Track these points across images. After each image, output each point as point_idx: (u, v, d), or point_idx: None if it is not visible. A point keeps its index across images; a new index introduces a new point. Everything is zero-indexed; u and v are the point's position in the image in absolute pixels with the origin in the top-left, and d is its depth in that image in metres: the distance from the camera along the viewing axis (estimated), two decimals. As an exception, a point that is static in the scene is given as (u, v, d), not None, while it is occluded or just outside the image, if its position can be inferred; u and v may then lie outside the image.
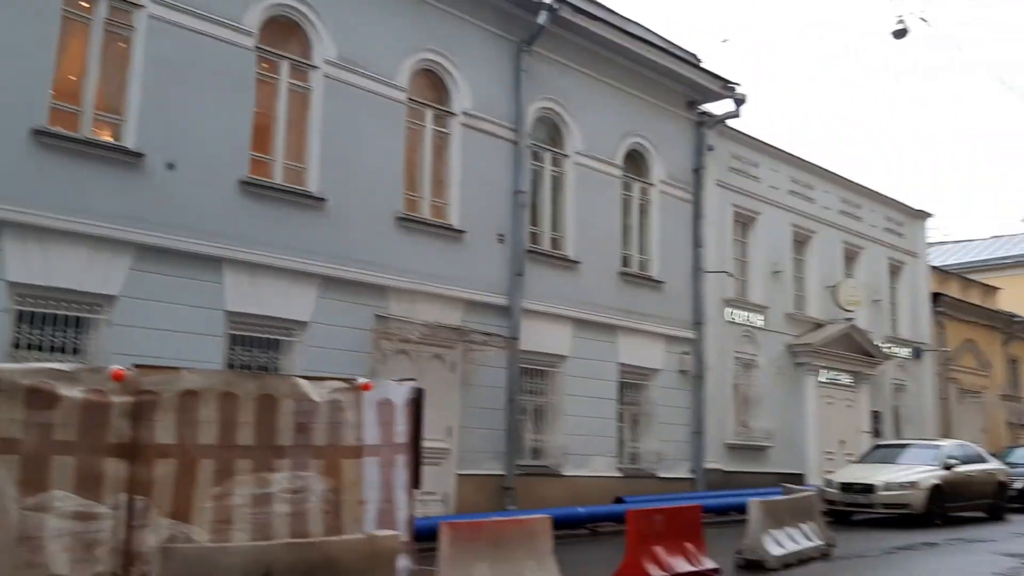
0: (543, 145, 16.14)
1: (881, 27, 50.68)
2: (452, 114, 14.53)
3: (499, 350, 14.10)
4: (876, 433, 23.49)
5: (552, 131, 16.41)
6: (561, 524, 13.38)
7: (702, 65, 19.02)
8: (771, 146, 21.72)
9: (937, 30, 62.30)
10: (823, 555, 11.59)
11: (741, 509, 11.82)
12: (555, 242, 16.13)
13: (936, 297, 26.85)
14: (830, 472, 18.79)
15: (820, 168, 23.23)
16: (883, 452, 18.46)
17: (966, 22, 72.59)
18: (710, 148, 19.39)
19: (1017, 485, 20.16)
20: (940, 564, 11.34)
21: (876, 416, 24.04)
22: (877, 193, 25.36)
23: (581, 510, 13.83)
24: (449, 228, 14.20)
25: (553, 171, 16.25)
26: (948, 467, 16.97)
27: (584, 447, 15.64)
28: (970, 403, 28.14)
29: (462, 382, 13.92)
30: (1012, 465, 21.31)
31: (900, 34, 15.36)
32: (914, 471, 16.58)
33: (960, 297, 28.63)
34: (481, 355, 13.92)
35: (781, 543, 11.09)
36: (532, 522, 8.01)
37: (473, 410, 13.96)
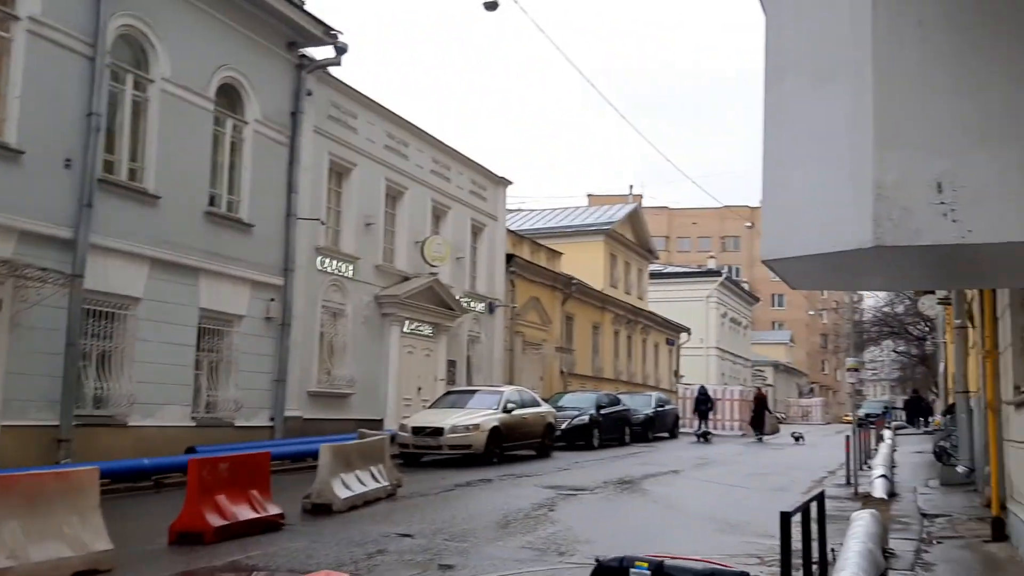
0: (125, 66, 14.69)
1: None
2: (16, 18, 12.60)
3: (58, 288, 12.65)
4: (451, 381, 25.25)
5: (137, 52, 14.99)
6: (124, 477, 12.57)
7: (305, 7, 18.61)
8: (370, 99, 22.01)
9: (532, 7, 67.56)
10: (389, 495, 12.18)
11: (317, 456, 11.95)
12: (133, 173, 14.84)
13: (510, 258, 29.40)
14: (406, 417, 19.81)
15: (415, 127, 24.09)
16: (453, 398, 19.88)
17: (561, 6, 79.82)
18: (309, 93, 19.13)
19: (564, 426, 22.99)
20: (491, 497, 12.50)
21: (452, 365, 25.82)
22: (466, 157, 26.98)
23: (146, 462, 13.02)
24: (4, 146, 12.36)
25: (135, 96, 14.89)
26: (507, 410, 18.77)
27: (155, 396, 14.72)
28: (532, 354, 31.37)
29: (11, 323, 12.29)
30: (561, 409, 24.25)
31: (491, 6, 16.27)
32: (477, 415, 18.09)
33: (530, 259, 31.65)
34: (36, 293, 12.39)
35: (349, 486, 11.45)
36: (77, 475, 7.32)
37: (22, 355, 12.41)
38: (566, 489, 13.57)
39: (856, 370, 14.72)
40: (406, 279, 23.29)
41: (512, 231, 32.14)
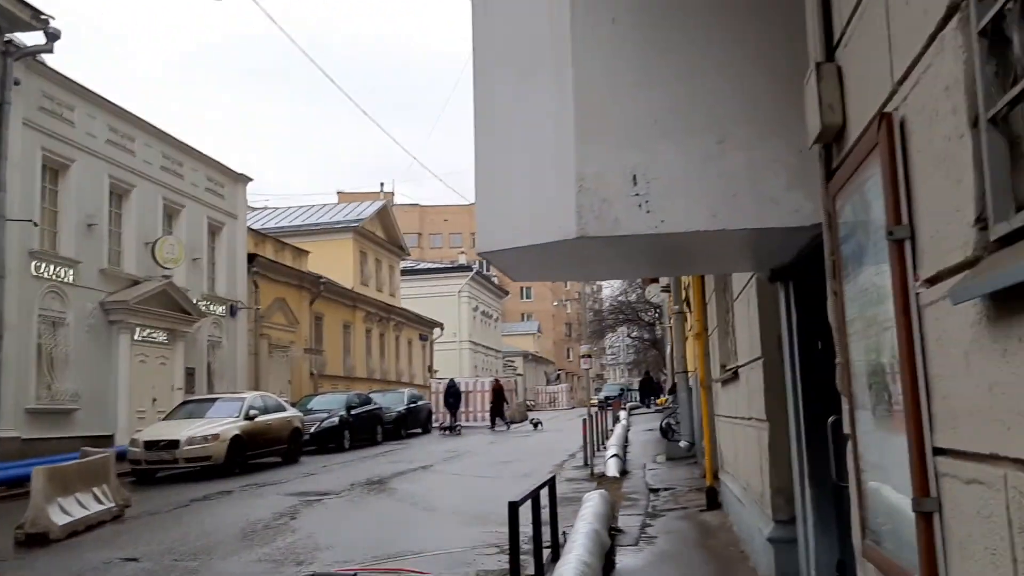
0: None
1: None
2: None
3: None
4: (190, 390, 23.80)
5: None
6: None
7: (5, -16, 16.71)
8: (89, 90, 20.20)
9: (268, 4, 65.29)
10: (115, 517, 11.21)
11: (27, 480, 10.76)
12: None
13: (252, 258, 28.21)
14: (139, 431, 18.39)
15: (142, 120, 22.44)
16: (191, 407, 18.72)
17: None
18: (17, 83, 17.24)
19: (312, 430, 22.39)
20: (229, 510, 11.86)
21: (191, 373, 24.35)
22: (200, 153, 25.53)
23: None
24: None
25: None
26: (250, 417, 17.96)
27: None
28: (279, 357, 30.33)
29: None
30: (310, 412, 23.61)
31: (218, -5, 15.41)
32: (217, 424, 17.16)
33: (274, 259, 30.55)
34: None
35: (68, 511, 10.43)
36: None
37: None
38: (311, 495, 13.18)
39: (589, 356, 15.50)
40: (136, 283, 21.66)
41: (254, 230, 30.90)
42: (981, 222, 1.99)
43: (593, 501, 8.09)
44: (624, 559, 7.37)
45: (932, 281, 2.29)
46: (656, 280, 23.90)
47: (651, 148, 3.76)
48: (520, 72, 4.02)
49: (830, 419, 4.41)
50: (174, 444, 16.38)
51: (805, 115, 3.24)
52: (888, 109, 2.49)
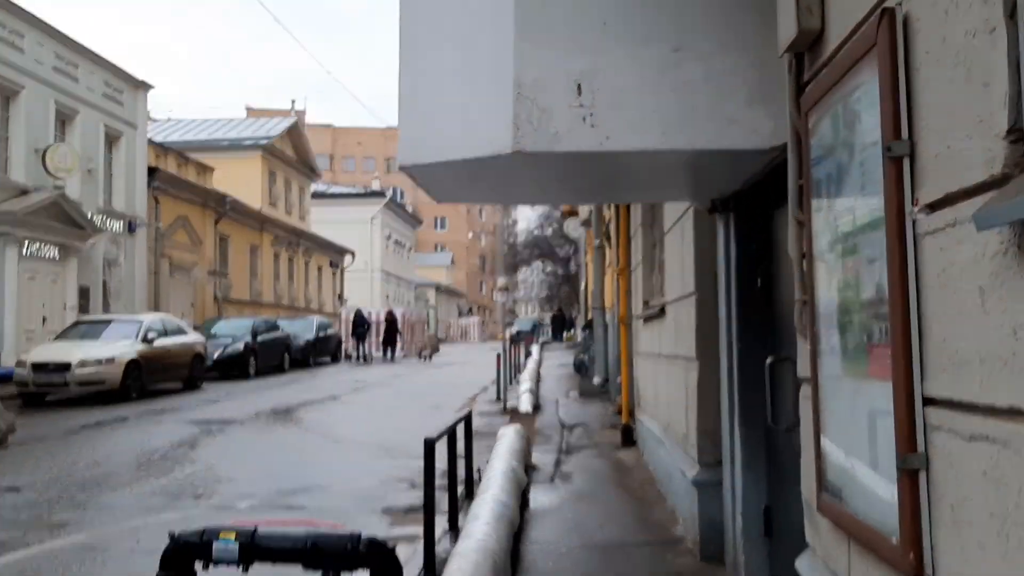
0: None
1: None
2: None
3: None
4: (84, 310, 22.63)
5: None
6: None
7: None
8: (-30, -22, 18.49)
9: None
10: (-3, 443, 10.46)
11: None
12: None
13: (153, 172, 26.77)
14: (28, 352, 17.36)
15: (31, 15, 20.72)
16: (84, 328, 17.75)
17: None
18: None
19: (216, 355, 21.61)
20: (124, 438, 11.25)
21: (85, 292, 23.14)
22: (96, 55, 23.86)
23: None
24: None
25: None
26: (148, 341, 17.13)
27: None
28: (181, 278, 29.13)
29: None
30: (214, 336, 22.77)
31: None
32: (112, 346, 16.30)
33: (177, 174, 29.09)
34: None
35: (-59, 436, 9.66)
36: None
37: None
38: (214, 423, 12.63)
39: (506, 289, 15.25)
40: (24, 193, 20.26)
41: (156, 142, 29.24)
42: (1015, 133, 1.66)
43: (508, 437, 7.84)
44: (540, 497, 7.16)
45: (934, 207, 1.97)
46: (575, 213, 23.66)
47: (599, 54, 3.35)
48: (454, -40, 3.54)
49: (768, 360, 4.17)
50: (65, 367, 15.49)
51: (777, 19, 2.88)
52: (889, 4, 2.13)
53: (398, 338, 34.25)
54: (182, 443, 10.71)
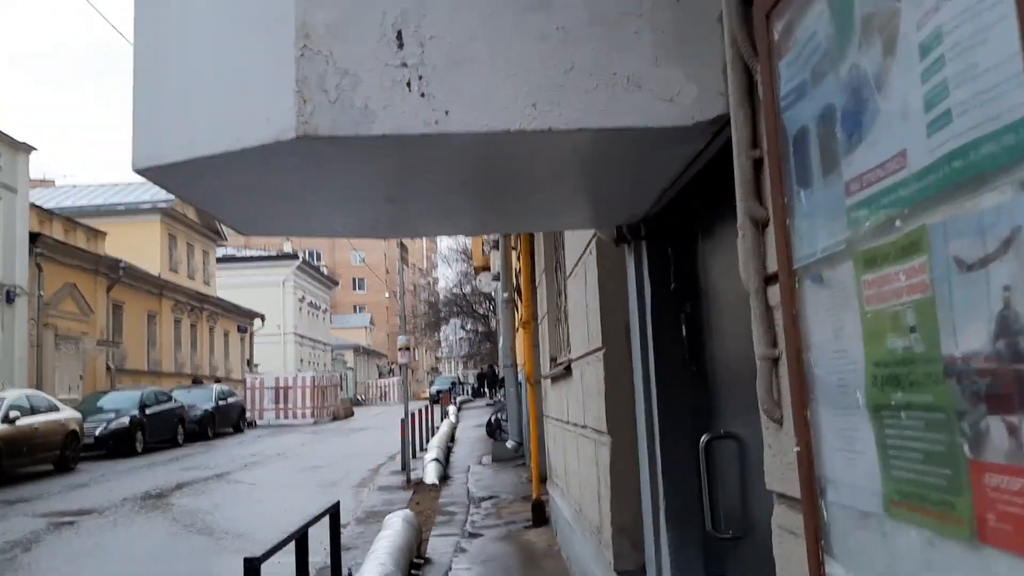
0: None
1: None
2: None
3: None
4: (-50, 387, 20.40)
5: None
6: None
7: None
8: None
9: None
10: None
11: None
12: None
13: (35, 238, 24.74)
14: None
15: None
16: (-64, 409, 15.65)
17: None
18: None
19: (97, 432, 19.62)
20: (-52, 542, 9.44)
21: (-50, 368, 20.91)
22: (-35, 111, 21.96)
23: None
24: None
25: None
26: (10, 420, 15.20)
27: None
28: (68, 350, 26.92)
29: None
30: (99, 411, 20.76)
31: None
32: (-37, 429, 14.33)
33: (64, 240, 27.05)
34: None
35: None
36: None
37: None
38: (67, 515, 10.88)
39: (407, 348, 13.88)
40: None
41: (41, 207, 27.17)
42: None
43: (392, 529, 6.50)
44: (428, 603, 5.82)
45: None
46: (487, 268, 22.55)
47: (431, -12, 2.19)
48: None
49: (703, 438, 3.01)
50: (-97, 456, 13.48)
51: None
52: None
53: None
54: (17, 543, 8.99)
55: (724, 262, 2.96)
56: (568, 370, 5.57)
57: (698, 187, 2.95)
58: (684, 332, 3.41)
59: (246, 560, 3.81)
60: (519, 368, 13.37)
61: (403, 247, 16.61)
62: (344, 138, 2.16)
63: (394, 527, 6.53)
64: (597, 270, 4.13)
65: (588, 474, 4.90)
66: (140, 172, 2.37)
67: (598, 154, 2.46)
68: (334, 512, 5.67)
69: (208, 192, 2.61)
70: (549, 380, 7.43)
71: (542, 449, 8.70)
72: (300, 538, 4.80)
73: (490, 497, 10.54)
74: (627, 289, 3.87)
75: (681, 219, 3.32)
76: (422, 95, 2.16)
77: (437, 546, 7.67)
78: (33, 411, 16.28)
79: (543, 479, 8.60)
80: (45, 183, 43.65)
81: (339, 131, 2.14)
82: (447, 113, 2.17)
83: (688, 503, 3.43)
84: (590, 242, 4.27)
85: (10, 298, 23.59)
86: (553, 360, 7.30)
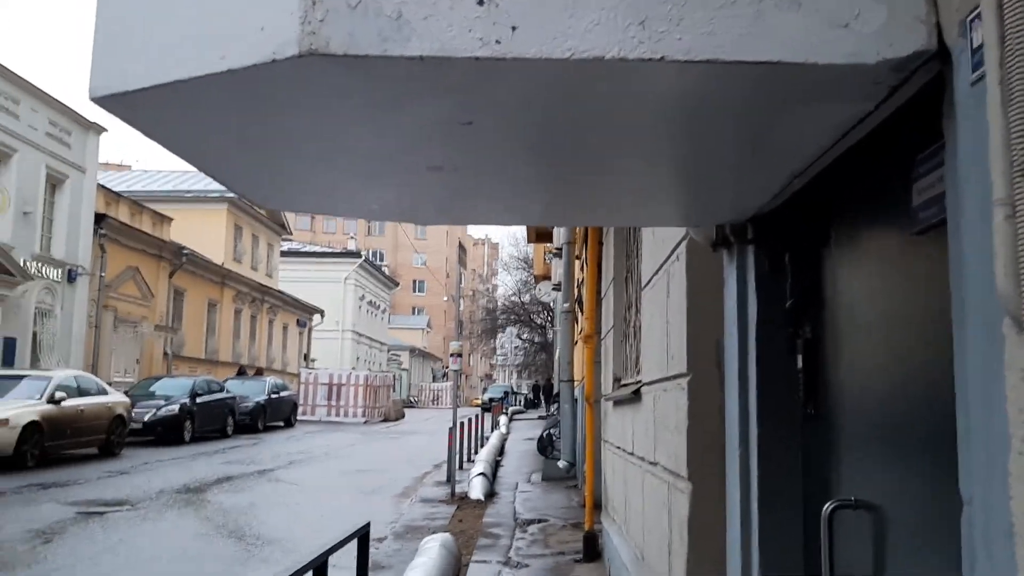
0: None
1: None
2: None
3: None
4: (9, 362, 20.47)
5: None
6: None
7: None
8: None
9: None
10: None
11: None
12: None
13: (101, 219, 24.85)
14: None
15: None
16: (-13, 385, 15.55)
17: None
18: None
19: (146, 418, 19.46)
20: (-26, 524, 9.10)
21: (10, 343, 20.99)
22: (41, 91, 22.12)
23: None
24: None
25: None
26: (55, 401, 14.99)
27: None
28: (127, 332, 27.02)
29: None
30: (151, 396, 20.65)
31: None
32: (8, 407, 14.13)
33: (129, 223, 27.18)
34: None
35: None
36: None
37: None
38: (99, 505, 10.51)
39: (459, 355, 13.25)
40: (-59, 234, 18.30)
41: (109, 189, 27.33)
42: None
43: (428, 556, 5.85)
44: (461, 645, 5.14)
45: None
46: (548, 278, 21.87)
47: None
48: None
49: (828, 506, 2.28)
50: (-62, 430, 13.32)
51: None
52: None
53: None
54: (39, 533, 8.58)
55: (873, 275, 2.23)
56: (637, 395, 4.85)
57: (842, 172, 2.24)
58: (800, 363, 2.68)
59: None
60: (576, 384, 12.66)
61: (462, 249, 16.05)
62: (366, 59, 1.50)
63: (430, 554, 5.87)
64: (686, 280, 3.42)
65: (656, 520, 4.18)
66: (98, 102, 1.75)
67: (718, 107, 1.77)
68: (363, 535, 5.04)
69: (186, 135, 1.97)
70: (611, 402, 6.71)
71: (598, 473, 7.97)
72: (318, 568, 4.18)
73: (538, 520, 9.83)
74: (723, 305, 3.16)
75: (808, 217, 2.60)
76: (480, 2, 1.50)
77: (477, 575, 6.99)
78: (81, 393, 16.09)
79: (597, 506, 7.87)
80: (121, 168, 44.47)
81: (359, 48, 1.49)
82: (514, 30, 1.50)
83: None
84: (678, 245, 3.55)
85: (72, 277, 23.70)
86: (617, 380, 6.58)
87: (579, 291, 12.35)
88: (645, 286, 4.66)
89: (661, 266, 4.02)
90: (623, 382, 6.26)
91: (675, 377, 3.64)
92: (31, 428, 14.11)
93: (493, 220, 2.94)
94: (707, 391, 3.30)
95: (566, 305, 12.67)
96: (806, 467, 2.75)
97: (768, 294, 2.83)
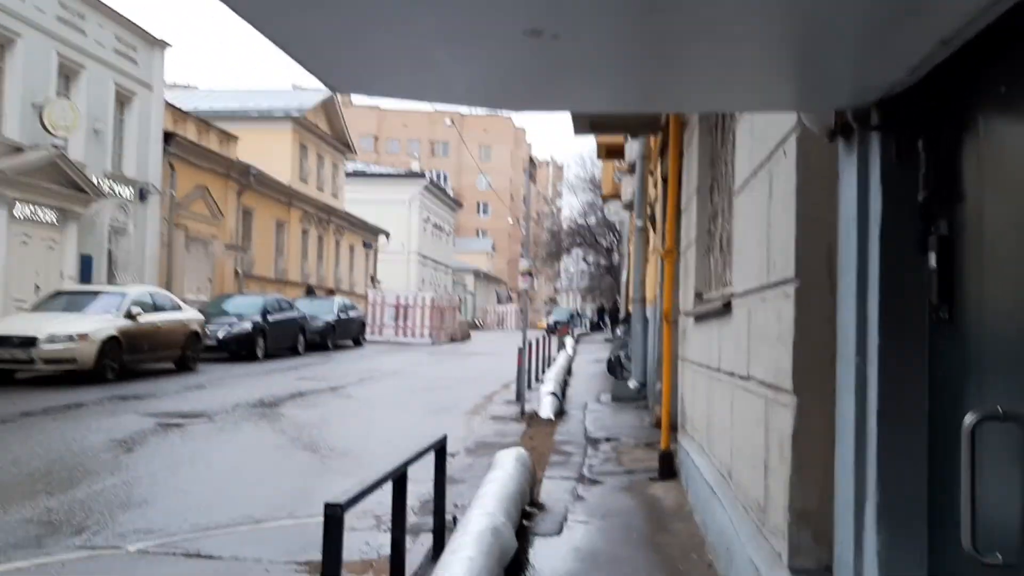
0: None
1: None
2: None
3: None
4: (86, 279, 21.03)
5: None
6: None
7: None
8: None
9: None
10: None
11: None
12: None
13: (169, 137, 25.06)
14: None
15: (31, -43, 19.04)
16: (65, 300, 16.01)
17: None
18: None
19: (220, 335, 19.87)
20: (57, 431, 9.37)
21: (87, 261, 21.52)
22: (107, 7, 22.12)
23: None
24: None
25: None
26: (132, 316, 15.33)
27: None
28: (198, 251, 27.49)
29: None
30: (223, 314, 21.03)
31: None
32: (87, 321, 14.52)
33: (196, 141, 27.39)
34: None
35: None
36: None
37: None
38: (177, 416, 10.75)
39: (530, 274, 13.09)
40: (19, 150, 18.62)
41: (175, 107, 27.47)
42: None
43: (504, 470, 5.77)
44: (539, 558, 5.07)
45: None
46: (617, 196, 21.43)
47: None
48: None
49: (970, 417, 2.03)
50: (30, 342, 13.73)
51: None
52: None
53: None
54: (121, 443, 8.80)
55: (994, 166, 1.93)
56: (727, 307, 4.60)
57: (995, 38, 1.92)
58: (933, 262, 2.40)
59: (327, 507, 3.12)
60: (648, 304, 12.42)
61: (532, 163, 15.71)
62: None
63: (506, 467, 5.79)
64: (796, 176, 3.12)
65: (748, 437, 3.97)
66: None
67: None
68: (440, 448, 4.96)
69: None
70: (692, 319, 6.46)
71: (674, 393, 7.78)
72: (398, 478, 4.11)
73: (609, 439, 9.74)
74: (836, 205, 2.87)
75: (951, 95, 2.29)
76: None
77: (551, 490, 6.93)
78: (156, 309, 16.43)
79: (672, 426, 7.71)
80: (189, 89, 44.76)
81: None
82: None
83: (913, 501, 2.48)
84: (785, 138, 3.25)
85: (143, 196, 24.06)
86: (698, 296, 6.32)
87: (652, 208, 12.00)
88: (740, 189, 4.36)
89: (761, 164, 3.72)
90: (706, 297, 6.00)
91: (778, 284, 3.38)
92: (110, 342, 14.49)
93: (585, 105, 2.69)
94: (816, 298, 3.04)
95: (639, 222, 12.35)
96: (933, 379, 2.50)
97: (895, 187, 2.54)
